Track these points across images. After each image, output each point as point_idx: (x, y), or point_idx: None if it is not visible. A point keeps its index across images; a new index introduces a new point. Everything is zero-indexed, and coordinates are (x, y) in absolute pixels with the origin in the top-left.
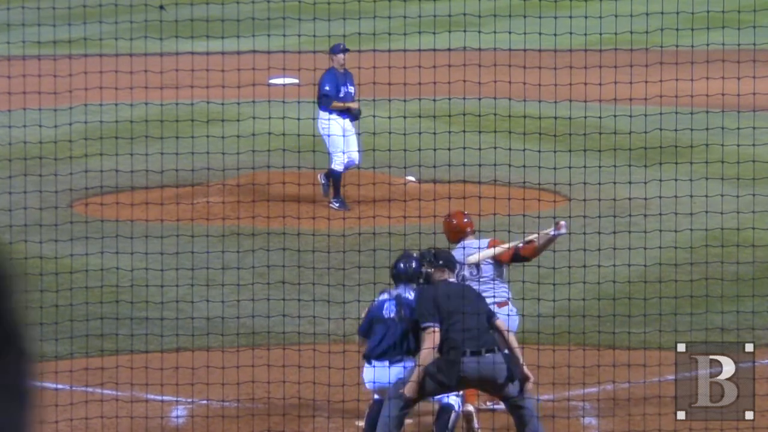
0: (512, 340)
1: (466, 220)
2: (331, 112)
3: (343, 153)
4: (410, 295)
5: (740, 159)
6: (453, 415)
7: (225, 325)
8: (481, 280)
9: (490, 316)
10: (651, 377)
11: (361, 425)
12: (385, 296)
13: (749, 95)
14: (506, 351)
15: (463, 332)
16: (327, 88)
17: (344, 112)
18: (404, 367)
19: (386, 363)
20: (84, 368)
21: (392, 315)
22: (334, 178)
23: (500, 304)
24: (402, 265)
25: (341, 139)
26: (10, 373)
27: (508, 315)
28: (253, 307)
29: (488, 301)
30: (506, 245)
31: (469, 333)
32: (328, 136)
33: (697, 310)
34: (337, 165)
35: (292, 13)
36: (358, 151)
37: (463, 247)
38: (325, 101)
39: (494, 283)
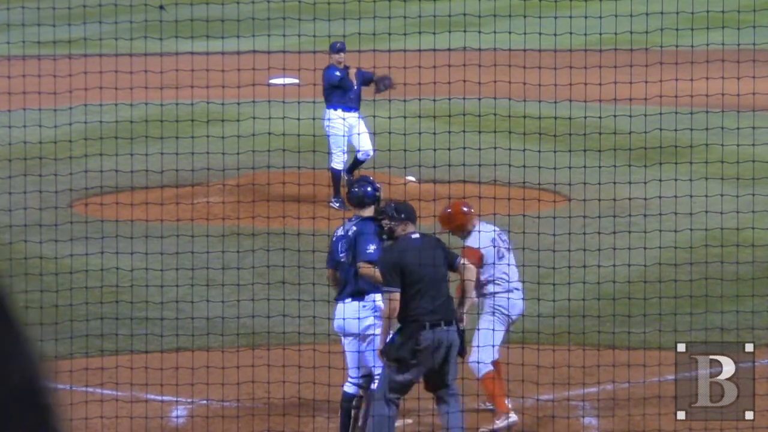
0: (468, 287)
1: (465, 209)
2: (336, 108)
3: (344, 153)
4: (351, 231)
5: (740, 159)
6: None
7: (225, 326)
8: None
9: (452, 263)
10: (651, 377)
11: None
12: (340, 232)
13: (749, 95)
14: (461, 325)
15: (424, 302)
16: (337, 74)
17: (352, 107)
18: (363, 307)
19: (347, 301)
20: (84, 368)
21: (344, 258)
22: (333, 177)
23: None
24: (356, 189)
25: (342, 139)
26: None
27: (521, 299)
28: (253, 308)
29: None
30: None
31: (431, 303)
32: (329, 135)
33: (696, 310)
34: (337, 164)
35: (292, 13)
36: (373, 150)
37: (478, 231)
38: (338, 95)
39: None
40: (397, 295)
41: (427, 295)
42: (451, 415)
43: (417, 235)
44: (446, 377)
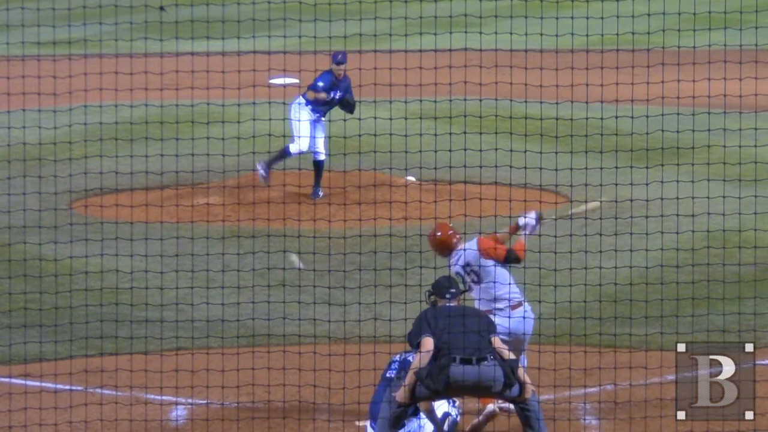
0: (506, 354)
1: (450, 232)
2: (308, 104)
3: (299, 138)
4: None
5: (742, 160)
6: (450, 420)
7: (225, 327)
8: (482, 285)
9: (490, 331)
10: (652, 378)
11: (362, 425)
12: (397, 357)
13: (751, 96)
14: (505, 359)
15: (454, 340)
16: (321, 84)
17: (319, 110)
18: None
19: None
20: (83, 370)
21: (392, 375)
22: (281, 152)
23: (513, 307)
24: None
25: (309, 127)
26: None
27: (524, 317)
28: (253, 309)
29: (502, 305)
30: (494, 244)
31: (461, 341)
32: (298, 120)
33: (698, 312)
34: (293, 147)
35: (292, 14)
36: (326, 154)
37: (463, 252)
38: (311, 91)
39: (495, 285)
40: (430, 339)
41: (456, 337)
42: (531, 414)
43: (453, 304)
44: (513, 400)
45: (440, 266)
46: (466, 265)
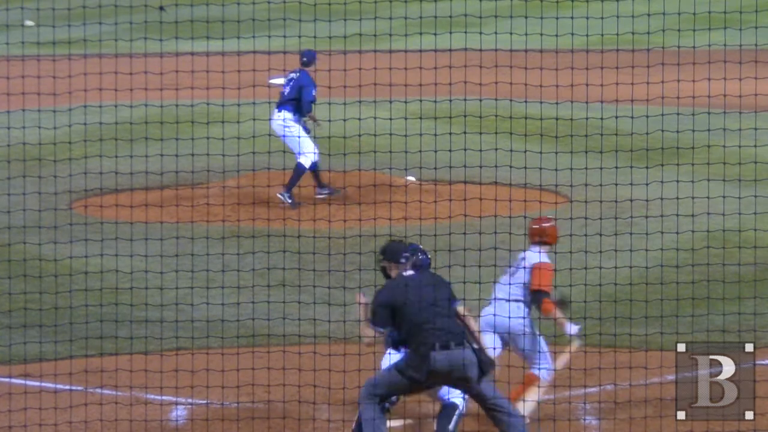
0: (473, 324)
1: (535, 226)
2: (294, 113)
3: (314, 152)
4: None
5: (742, 160)
6: (456, 414)
7: (225, 327)
8: (511, 278)
9: (453, 300)
10: (652, 378)
11: None
12: None
13: (751, 96)
14: (475, 345)
15: (428, 327)
16: (314, 93)
17: (303, 115)
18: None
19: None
20: (83, 370)
21: None
22: (296, 172)
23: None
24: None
25: (306, 136)
26: None
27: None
28: (253, 309)
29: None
30: (548, 282)
31: (437, 327)
32: (299, 137)
33: (698, 312)
34: (305, 161)
35: (292, 14)
36: (315, 153)
37: (529, 252)
38: (307, 107)
39: (520, 286)
40: (379, 332)
41: (430, 321)
42: (512, 418)
43: (411, 272)
44: (484, 393)
45: (438, 267)
46: (523, 259)
